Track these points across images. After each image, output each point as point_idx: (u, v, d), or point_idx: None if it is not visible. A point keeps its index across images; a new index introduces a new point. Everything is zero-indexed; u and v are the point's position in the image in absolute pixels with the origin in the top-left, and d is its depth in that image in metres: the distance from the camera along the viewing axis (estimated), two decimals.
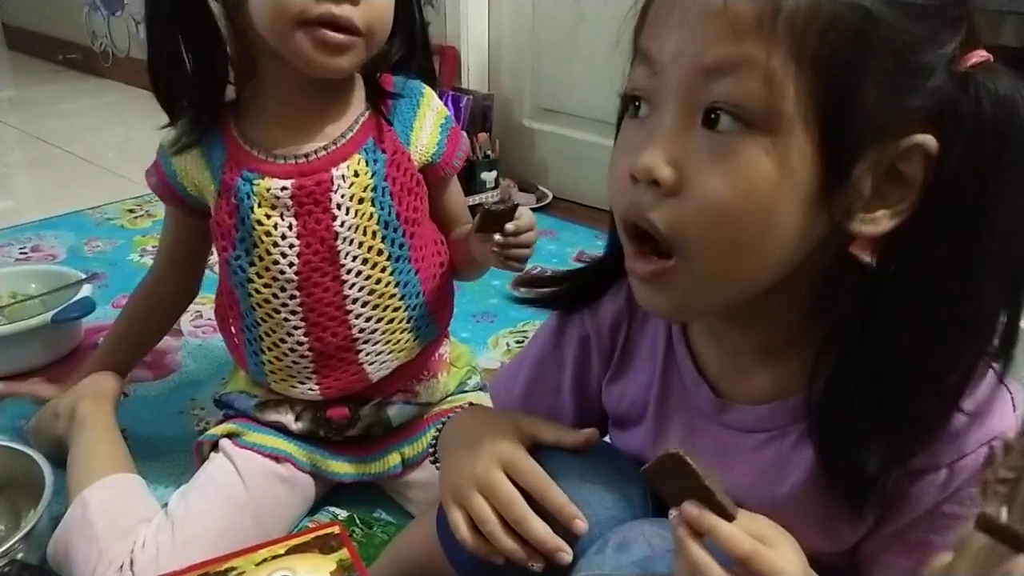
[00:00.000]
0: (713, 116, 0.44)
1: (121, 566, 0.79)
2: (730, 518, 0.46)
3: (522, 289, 0.70)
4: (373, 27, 0.76)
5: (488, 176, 1.83)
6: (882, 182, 0.45)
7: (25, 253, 1.71)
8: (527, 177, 2.01)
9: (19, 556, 0.78)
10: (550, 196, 1.95)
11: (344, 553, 0.84)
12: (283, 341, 0.88)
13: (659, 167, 0.45)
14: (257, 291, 0.86)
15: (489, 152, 1.84)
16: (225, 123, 0.86)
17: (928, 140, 0.43)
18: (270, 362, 0.91)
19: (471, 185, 1.81)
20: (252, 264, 0.85)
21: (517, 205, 0.82)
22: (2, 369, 1.22)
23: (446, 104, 2.08)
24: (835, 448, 0.51)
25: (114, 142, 2.63)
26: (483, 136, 1.87)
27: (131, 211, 1.94)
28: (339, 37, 0.74)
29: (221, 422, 0.97)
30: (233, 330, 0.94)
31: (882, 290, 0.48)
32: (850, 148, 0.43)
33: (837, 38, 0.42)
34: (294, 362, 0.90)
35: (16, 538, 0.78)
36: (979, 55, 0.44)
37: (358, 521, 0.94)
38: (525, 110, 2.09)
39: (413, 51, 0.87)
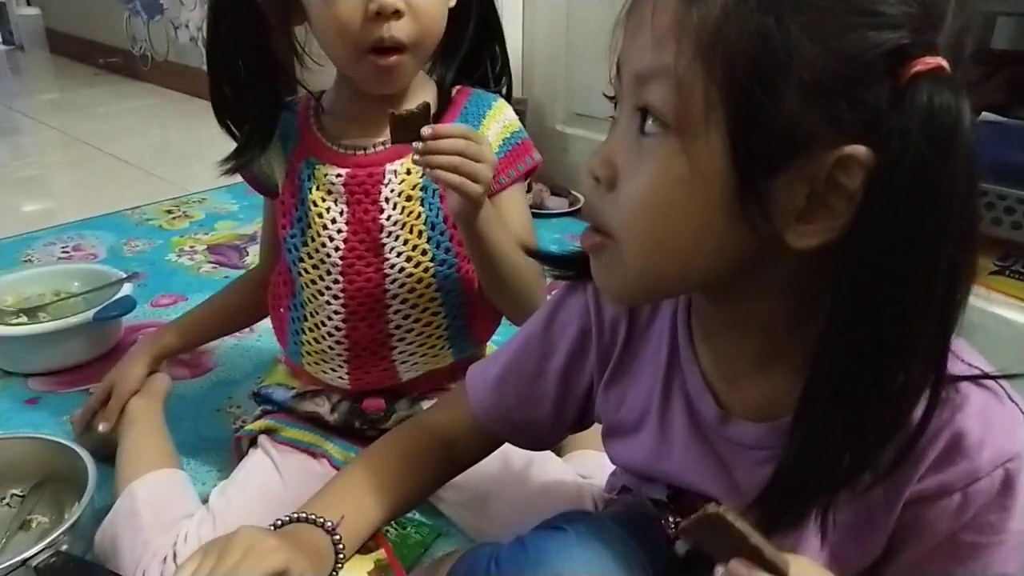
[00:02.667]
0: (644, 119, 0.46)
1: (164, 558, 0.80)
2: (782, 574, 0.44)
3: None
4: (419, 40, 0.79)
5: None
6: (824, 192, 0.43)
7: (67, 252, 1.75)
8: (559, 181, 2.01)
9: (64, 548, 0.80)
10: (582, 200, 1.95)
11: (381, 553, 0.85)
12: (323, 324, 0.90)
13: (596, 166, 0.49)
14: (306, 271, 0.89)
15: None
16: (306, 112, 0.90)
17: (858, 151, 0.41)
18: (308, 343, 0.93)
19: None
20: (304, 244, 0.88)
21: (428, 105, 0.74)
22: (45, 365, 1.25)
23: None
24: (790, 462, 0.48)
25: (152, 144, 2.68)
26: None
27: (169, 212, 1.97)
28: (388, 60, 0.78)
29: (258, 418, 0.99)
30: (282, 309, 0.97)
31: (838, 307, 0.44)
32: (764, 159, 0.42)
33: (745, 51, 0.41)
34: (329, 347, 0.91)
35: (61, 529, 0.79)
36: (924, 63, 0.40)
37: (392, 522, 0.94)
38: (558, 115, 2.09)
39: (476, 56, 0.89)
